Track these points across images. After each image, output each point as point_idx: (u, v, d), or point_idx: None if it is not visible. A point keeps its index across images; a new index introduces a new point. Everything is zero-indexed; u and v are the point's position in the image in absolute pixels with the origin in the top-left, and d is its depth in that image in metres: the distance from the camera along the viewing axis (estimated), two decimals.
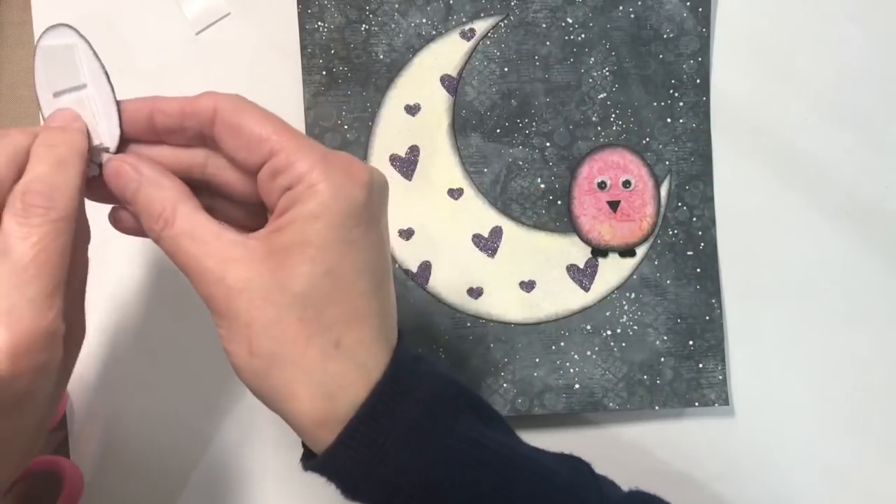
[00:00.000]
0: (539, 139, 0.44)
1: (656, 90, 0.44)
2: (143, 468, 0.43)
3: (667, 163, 0.44)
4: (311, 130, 0.43)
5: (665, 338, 0.43)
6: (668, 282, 0.43)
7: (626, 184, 0.44)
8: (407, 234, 0.44)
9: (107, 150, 0.29)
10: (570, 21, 0.44)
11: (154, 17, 0.45)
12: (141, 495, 0.43)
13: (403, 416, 0.27)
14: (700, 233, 0.44)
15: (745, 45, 0.45)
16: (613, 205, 0.44)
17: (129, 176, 0.29)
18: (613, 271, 0.44)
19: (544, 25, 0.44)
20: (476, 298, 0.43)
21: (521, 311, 0.43)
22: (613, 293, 0.44)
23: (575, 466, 0.32)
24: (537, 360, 0.43)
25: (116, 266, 0.44)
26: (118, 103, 0.29)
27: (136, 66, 0.44)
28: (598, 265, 0.44)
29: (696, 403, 0.43)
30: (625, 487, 0.33)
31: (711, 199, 0.44)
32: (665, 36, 0.44)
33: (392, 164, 0.44)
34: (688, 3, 0.44)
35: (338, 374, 0.27)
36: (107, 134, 0.29)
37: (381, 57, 0.44)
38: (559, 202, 0.44)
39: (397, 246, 0.44)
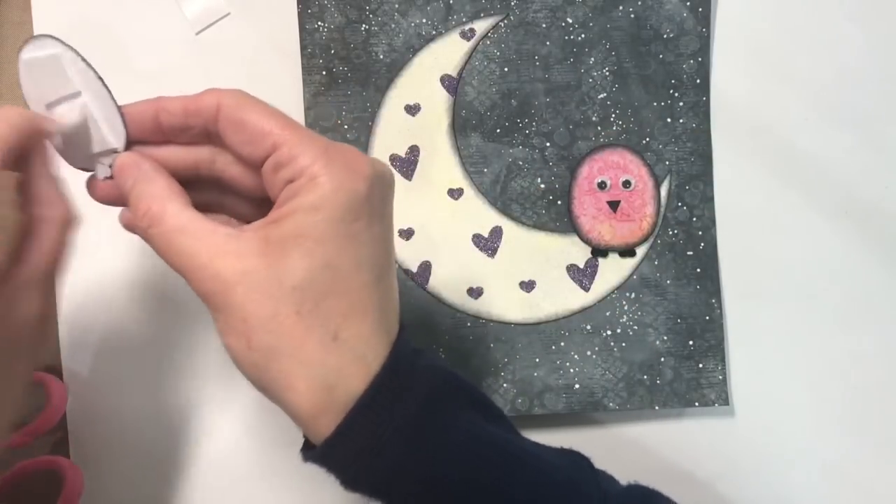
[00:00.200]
0: (539, 139, 0.44)
1: (656, 90, 0.44)
2: (143, 468, 0.43)
3: (667, 163, 0.44)
4: (312, 130, 0.43)
5: (665, 338, 0.43)
6: (668, 282, 0.43)
7: (626, 184, 0.44)
8: (407, 234, 0.44)
9: (115, 150, 0.29)
10: (570, 21, 0.44)
11: (154, 17, 0.45)
12: (141, 495, 0.43)
13: (402, 410, 0.27)
14: (700, 233, 0.44)
15: (745, 45, 0.45)
16: (613, 205, 0.44)
17: (128, 172, 0.29)
18: (613, 271, 0.44)
19: (544, 25, 0.44)
20: (476, 298, 0.43)
21: (521, 311, 0.43)
22: (613, 293, 0.44)
23: (574, 461, 0.32)
24: (537, 360, 0.43)
25: (117, 266, 0.44)
26: (118, 106, 0.29)
27: (136, 67, 0.44)
28: (598, 265, 0.44)
29: (696, 403, 0.43)
30: (624, 483, 0.33)
31: (711, 199, 0.44)
32: (665, 36, 0.44)
33: (392, 164, 0.44)
34: (688, 3, 0.44)
35: (336, 366, 0.27)
36: (112, 136, 0.29)
37: (381, 57, 0.44)
38: (559, 202, 0.44)
39: (397, 246, 0.44)
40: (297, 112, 0.43)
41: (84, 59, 0.29)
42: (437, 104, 0.44)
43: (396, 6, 0.44)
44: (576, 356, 0.43)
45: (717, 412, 0.44)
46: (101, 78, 0.29)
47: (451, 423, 0.28)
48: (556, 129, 0.44)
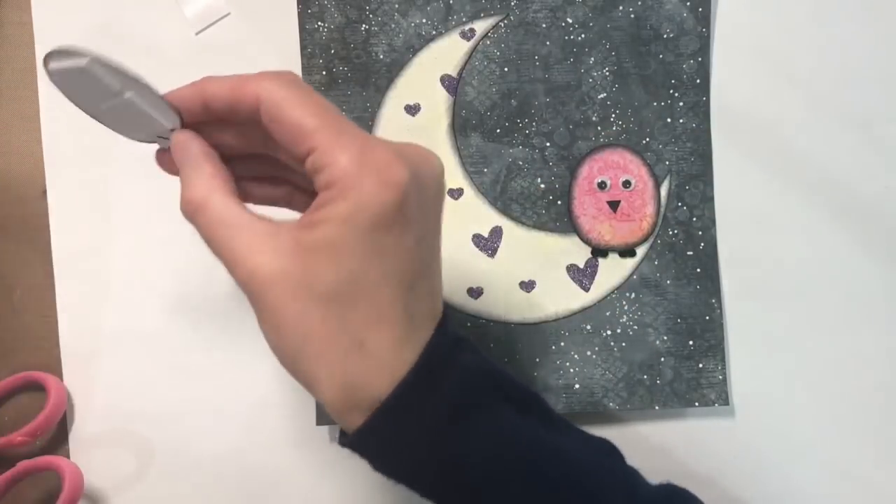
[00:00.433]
0: (539, 139, 0.44)
1: (656, 90, 0.44)
2: (143, 468, 0.43)
3: (667, 163, 0.44)
4: None
5: (665, 338, 0.43)
6: (668, 282, 0.43)
7: (626, 184, 0.44)
8: None
9: (172, 130, 0.30)
10: (570, 21, 0.44)
11: (154, 17, 0.45)
12: (141, 495, 0.43)
13: (430, 411, 0.28)
14: (700, 233, 0.44)
15: (745, 45, 0.45)
16: (613, 205, 0.44)
17: (178, 153, 0.29)
18: (613, 271, 0.44)
19: (544, 25, 0.44)
20: (476, 298, 0.43)
21: (521, 311, 0.43)
22: (613, 293, 0.43)
23: (603, 459, 0.33)
24: (537, 360, 0.43)
25: (117, 266, 0.44)
26: (160, 95, 0.29)
27: (137, 66, 0.44)
28: (598, 265, 0.44)
29: (696, 403, 0.43)
30: (655, 482, 0.34)
31: (711, 199, 0.44)
32: (665, 36, 0.44)
33: None
34: (688, 3, 0.44)
35: (359, 372, 0.27)
36: (164, 119, 0.30)
37: (381, 57, 0.44)
38: (559, 202, 0.44)
39: None
40: None
41: (110, 62, 0.29)
42: (437, 104, 0.44)
43: (396, 6, 0.44)
44: (576, 356, 0.43)
45: (717, 412, 0.44)
46: (134, 74, 0.29)
47: (480, 423, 0.29)
48: (556, 129, 0.44)
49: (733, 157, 0.44)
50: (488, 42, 0.44)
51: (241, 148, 0.31)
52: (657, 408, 0.43)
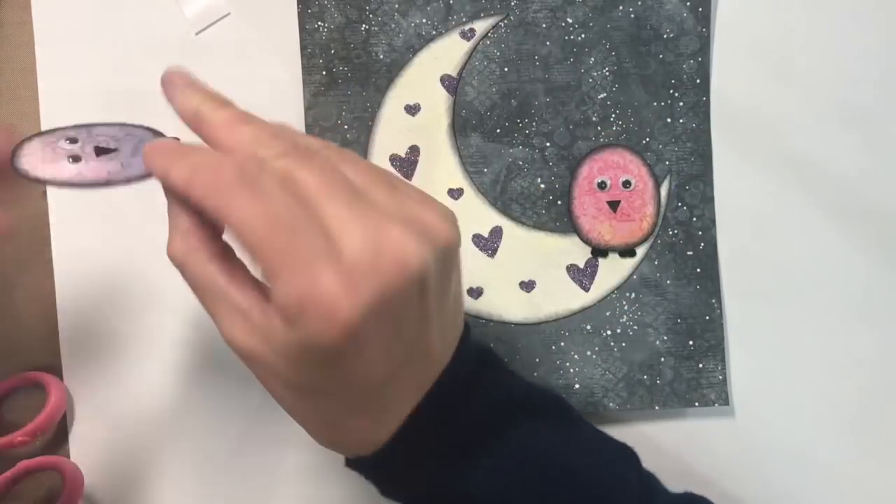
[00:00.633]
0: (539, 139, 0.44)
1: (656, 90, 0.44)
2: (143, 468, 0.43)
3: (667, 163, 0.44)
4: (311, 130, 0.43)
5: (665, 338, 0.43)
6: (668, 282, 0.43)
7: (626, 184, 0.44)
8: None
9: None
10: (570, 21, 0.44)
11: (154, 17, 0.44)
12: (141, 495, 0.43)
13: (432, 453, 0.29)
14: (700, 233, 0.44)
15: (745, 45, 0.45)
16: (613, 205, 0.44)
17: (165, 189, 0.28)
18: (613, 271, 0.44)
19: (544, 25, 0.44)
20: (476, 298, 0.43)
21: (521, 311, 0.43)
22: (613, 293, 0.43)
23: (618, 469, 0.33)
24: (537, 360, 0.43)
25: (117, 265, 0.44)
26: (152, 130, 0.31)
27: (136, 67, 0.44)
28: (598, 265, 0.44)
29: (696, 403, 0.43)
30: (675, 491, 0.34)
31: (711, 199, 0.44)
32: (665, 36, 0.44)
33: (392, 164, 0.44)
34: (688, 3, 0.44)
35: (341, 440, 0.29)
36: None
37: (381, 57, 0.44)
38: (559, 202, 0.44)
39: None
40: (297, 112, 0.43)
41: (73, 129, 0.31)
42: (437, 104, 0.44)
43: (396, 6, 0.44)
44: (576, 356, 0.43)
45: (717, 412, 0.44)
46: (108, 123, 0.31)
47: (491, 444, 0.29)
48: (556, 129, 0.44)
49: (733, 157, 0.44)
50: (488, 42, 0.44)
51: None
52: (657, 408, 0.43)
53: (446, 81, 0.44)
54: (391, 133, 0.44)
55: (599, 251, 0.44)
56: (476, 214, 0.44)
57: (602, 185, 0.44)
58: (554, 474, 0.29)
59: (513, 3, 0.44)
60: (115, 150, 0.31)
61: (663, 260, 0.44)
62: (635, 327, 0.43)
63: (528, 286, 0.44)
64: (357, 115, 0.44)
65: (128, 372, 0.44)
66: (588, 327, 0.43)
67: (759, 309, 0.44)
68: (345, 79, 0.44)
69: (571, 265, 0.44)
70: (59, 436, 0.43)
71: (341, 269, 0.23)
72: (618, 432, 0.44)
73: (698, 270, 0.44)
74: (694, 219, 0.44)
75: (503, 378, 0.31)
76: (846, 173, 0.45)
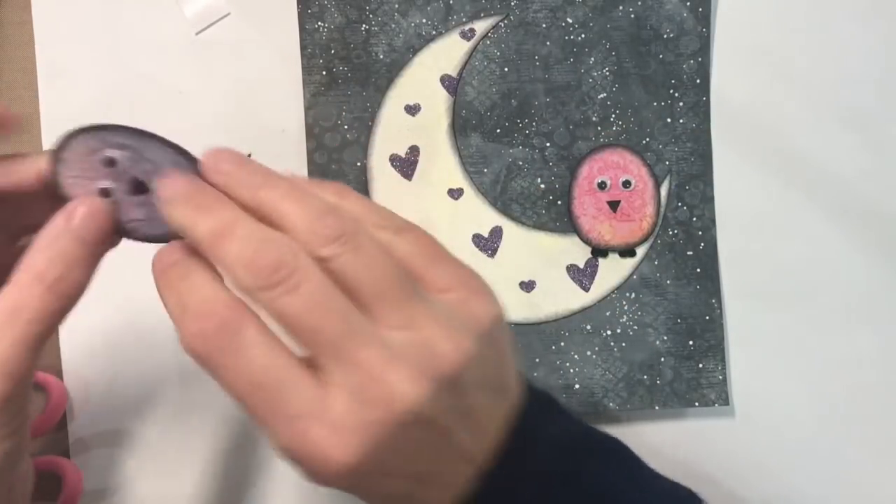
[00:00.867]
0: (539, 139, 0.44)
1: (656, 90, 0.44)
2: (143, 468, 0.43)
3: (667, 163, 0.44)
4: (311, 130, 0.43)
5: (665, 338, 0.43)
6: (668, 282, 0.43)
7: (626, 184, 0.44)
8: None
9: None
10: (570, 21, 0.44)
11: (154, 17, 0.44)
12: (141, 495, 0.43)
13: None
14: (700, 233, 0.44)
15: (745, 45, 0.45)
16: (613, 205, 0.44)
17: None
18: (613, 271, 0.44)
19: (544, 25, 0.44)
20: None
21: (521, 311, 0.43)
22: (613, 293, 0.43)
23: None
24: (537, 360, 0.43)
25: (117, 266, 0.44)
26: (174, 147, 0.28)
27: (136, 67, 0.44)
28: (598, 265, 0.44)
29: (697, 403, 0.43)
30: None
31: (711, 199, 0.44)
32: (665, 36, 0.44)
33: (392, 164, 0.44)
34: (688, 3, 0.44)
35: None
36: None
37: (381, 57, 0.44)
38: (559, 202, 0.44)
39: None
40: (297, 112, 0.43)
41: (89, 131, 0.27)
42: (437, 104, 0.44)
43: (396, 6, 0.44)
44: (576, 356, 0.43)
45: (717, 412, 0.44)
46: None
47: (562, 492, 0.28)
48: (556, 129, 0.44)
49: (733, 157, 0.44)
50: (488, 42, 0.44)
51: None
52: (657, 408, 0.43)
53: (446, 81, 0.44)
54: (391, 133, 0.44)
55: (599, 251, 0.44)
56: (476, 214, 0.44)
57: (602, 185, 0.44)
58: None
59: (513, 3, 0.44)
60: (150, 191, 0.27)
61: (663, 260, 0.44)
62: (635, 327, 0.43)
63: (528, 286, 0.44)
64: (357, 115, 0.44)
65: (128, 372, 0.43)
66: (588, 327, 0.43)
67: (759, 309, 0.44)
68: (345, 79, 0.44)
69: (571, 265, 0.44)
70: (58, 436, 0.43)
71: (328, 423, 0.23)
72: (618, 432, 0.44)
73: (698, 270, 0.44)
74: (694, 219, 0.44)
75: (563, 423, 0.30)
76: (846, 173, 0.45)
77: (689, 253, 0.44)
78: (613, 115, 0.44)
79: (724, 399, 0.43)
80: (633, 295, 0.43)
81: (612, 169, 0.44)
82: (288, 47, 0.44)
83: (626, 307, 0.43)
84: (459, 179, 0.44)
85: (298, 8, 0.43)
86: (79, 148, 0.27)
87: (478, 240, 0.44)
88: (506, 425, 0.27)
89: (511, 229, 0.44)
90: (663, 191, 0.44)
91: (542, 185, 0.44)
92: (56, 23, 0.44)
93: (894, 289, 0.44)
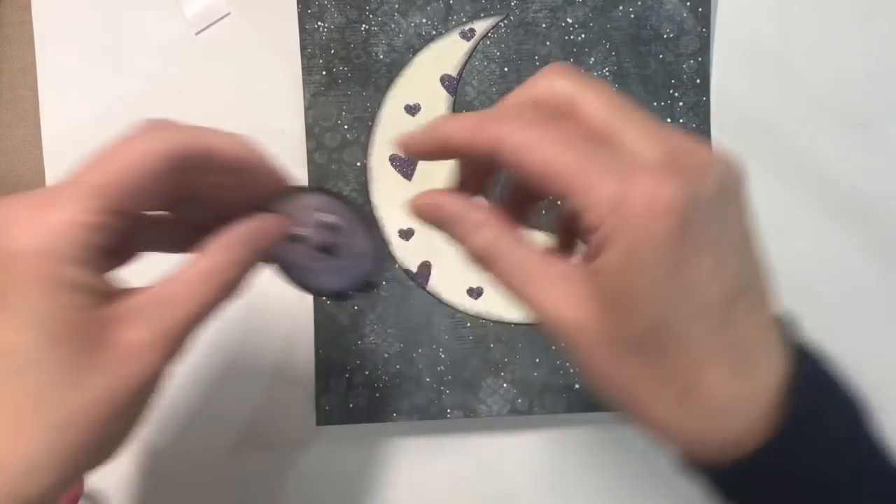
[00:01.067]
0: None
1: (656, 90, 0.44)
2: (143, 468, 0.43)
3: None
4: (311, 130, 0.43)
5: None
6: None
7: None
8: (407, 234, 0.44)
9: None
10: (570, 21, 0.44)
11: (154, 17, 0.45)
12: (141, 495, 0.43)
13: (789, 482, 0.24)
14: None
15: (745, 45, 0.45)
16: None
17: (432, 216, 0.28)
18: None
19: (544, 25, 0.44)
20: (476, 298, 0.43)
21: (521, 311, 0.43)
22: None
23: None
24: (537, 360, 0.43)
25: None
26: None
27: (136, 66, 0.44)
28: None
29: None
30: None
31: None
32: (665, 36, 0.44)
33: (392, 164, 0.44)
34: (688, 3, 0.44)
35: (692, 428, 0.25)
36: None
37: (381, 57, 0.44)
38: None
39: (397, 246, 0.44)
40: (297, 112, 0.43)
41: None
42: (437, 104, 0.44)
43: (396, 6, 0.44)
44: None
45: None
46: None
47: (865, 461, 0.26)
48: None
49: None
50: (488, 42, 0.44)
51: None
52: None
53: (446, 81, 0.44)
54: (391, 133, 0.44)
55: None
56: None
57: None
58: None
59: (513, 3, 0.44)
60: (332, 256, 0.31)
61: None
62: None
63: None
64: (357, 115, 0.44)
65: None
66: None
67: None
68: (345, 79, 0.44)
69: None
70: None
71: (648, 170, 0.23)
72: (618, 432, 0.44)
73: None
74: None
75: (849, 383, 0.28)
76: (846, 173, 0.45)
77: None
78: None
79: None
80: None
81: None
82: (288, 47, 0.44)
83: None
84: None
85: (298, 8, 0.43)
86: (314, 201, 0.30)
87: None
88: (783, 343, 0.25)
89: None
90: None
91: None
92: (56, 23, 0.44)
93: (894, 289, 0.44)
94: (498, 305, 0.43)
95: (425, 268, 0.44)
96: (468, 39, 0.44)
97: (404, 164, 0.44)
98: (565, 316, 0.25)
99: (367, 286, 0.32)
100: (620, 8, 0.44)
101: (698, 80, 0.44)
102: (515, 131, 0.25)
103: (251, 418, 0.43)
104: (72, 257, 0.24)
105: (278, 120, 0.44)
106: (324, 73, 0.43)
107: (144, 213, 0.29)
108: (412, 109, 0.44)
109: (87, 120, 0.45)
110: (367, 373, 0.43)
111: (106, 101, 0.44)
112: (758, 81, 0.45)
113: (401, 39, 0.44)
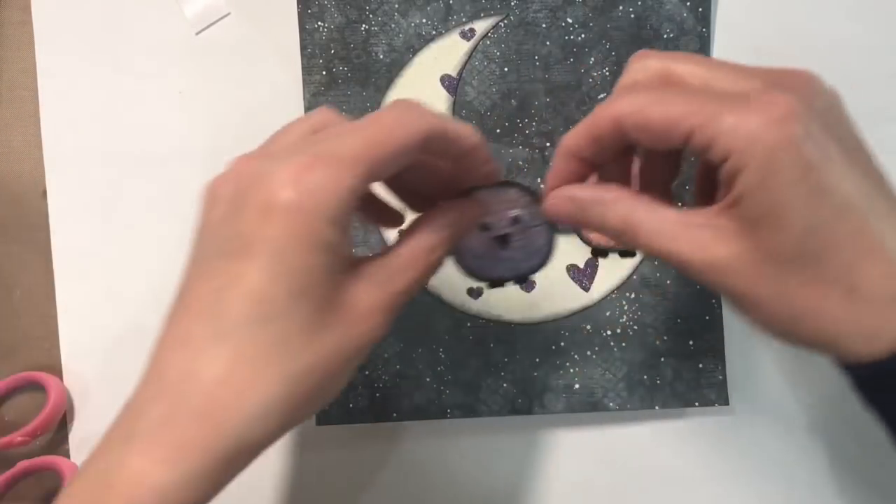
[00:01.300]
0: (539, 139, 0.44)
1: None
2: None
3: None
4: None
5: (665, 338, 0.43)
6: (668, 282, 0.43)
7: None
8: None
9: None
10: (570, 21, 0.44)
11: (154, 17, 0.45)
12: None
13: None
14: None
15: (745, 45, 0.45)
16: None
17: (567, 208, 0.31)
18: (613, 271, 0.44)
19: (544, 25, 0.44)
20: (476, 298, 0.43)
21: (521, 311, 0.43)
22: (613, 293, 0.43)
23: None
24: (537, 360, 0.43)
25: (117, 266, 0.44)
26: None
27: (136, 67, 0.45)
28: (598, 265, 0.44)
29: (697, 403, 0.43)
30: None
31: None
32: (665, 36, 0.44)
33: None
34: (688, 3, 0.44)
35: (864, 324, 0.25)
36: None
37: (381, 57, 0.44)
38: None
39: None
40: (297, 112, 0.43)
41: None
42: (437, 104, 0.44)
43: (396, 6, 0.44)
44: (576, 356, 0.43)
45: (717, 412, 0.44)
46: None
47: None
48: (556, 129, 0.44)
49: None
50: (488, 42, 0.44)
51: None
52: (657, 408, 0.43)
53: (446, 81, 0.44)
54: None
55: (599, 251, 0.44)
56: None
57: None
58: None
59: (513, 3, 0.44)
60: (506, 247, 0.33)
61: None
62: (635, 327, 0.43)
63: (528, 286, 0.44)
64: (357, 115, 0.43)
65: (128, 372, 0.43)
66: (588, 327, 0.43)
67: None
68: (345, 79, 0.44)
69: (571, 265, 0.44)
70: (58, 436, 0.43)
71: (759, 93, 0.26)
72: (618, 432, 0.44)
73: None
74: None
75: None
76: None
77: None
78: None
79: (724, 399, 0.43)
80: (633, 295, 0.43)
81: None
82: (288, 47, 0.44)
83: (626, 307, 0.43)
84: None
85: (298, 8, 0.43)
86: (509, 193, 0.33)
87: None
88: None
89: None
90: None
91: (543, 186, 0.44)
92: (56, 23, 0.44)
93: None
94: (498, 305, 0.43)
95: None
96: (468, 39, 0.44)
97: None
98: (716, 258, 0.26)
99: (523, 279, 0.34)
100: (620, 8, 0.44)
101: None
102: (631, 101, 0.27)
103: None
104: (331, 218, 0.25)
105: (278, 120, 0.44)
106: (324, 73, 0.43)
107: None
108: None
109: (87, 120, 0.45)
110: (366, 373, 0.43)
111: (106, 102, 0.44)
112: None
113: (401, 39, 0.44)
